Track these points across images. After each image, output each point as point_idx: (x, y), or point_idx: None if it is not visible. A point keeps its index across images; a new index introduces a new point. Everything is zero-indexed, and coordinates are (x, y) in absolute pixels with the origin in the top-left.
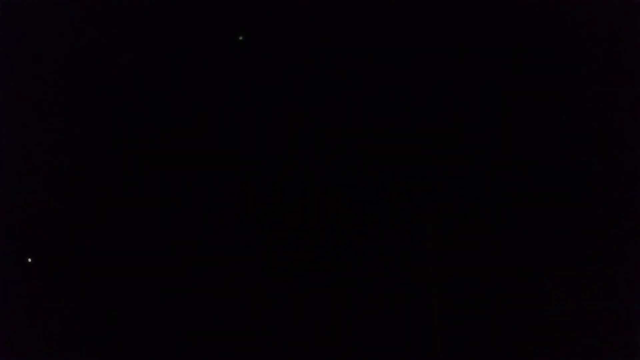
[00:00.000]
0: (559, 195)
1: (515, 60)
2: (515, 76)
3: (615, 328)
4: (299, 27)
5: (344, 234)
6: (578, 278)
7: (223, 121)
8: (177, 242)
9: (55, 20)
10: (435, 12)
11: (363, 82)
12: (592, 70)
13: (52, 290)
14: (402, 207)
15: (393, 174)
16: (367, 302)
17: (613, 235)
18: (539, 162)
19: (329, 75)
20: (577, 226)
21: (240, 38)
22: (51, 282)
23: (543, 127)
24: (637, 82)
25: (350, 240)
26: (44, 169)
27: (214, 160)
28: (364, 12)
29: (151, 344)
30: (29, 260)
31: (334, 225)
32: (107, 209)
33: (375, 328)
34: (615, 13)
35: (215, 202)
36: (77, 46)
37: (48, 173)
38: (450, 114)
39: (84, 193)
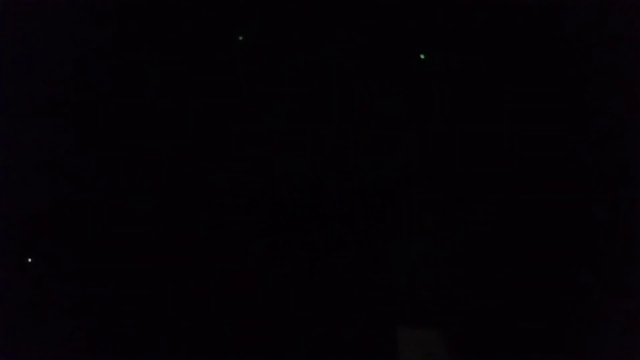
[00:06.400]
0: (558, 194)
1: (513, 60)
2: (514, 76)
3: (616, 328)
4: (299, 27)
5: (342, 234)
6: (578, 277)
7: (223, 121)
8: (178, 242)
9: (56, 19)
10: (434, 12)
11: (363, 82)
12: (592, 70)
13: (52, 290)
14: (401, 207)
15: (392, 174)
16: (365, 301)
17: (612, 235)
18: (538, 161)
19: (329, 75)
20: (577, 225)
21: (240, 38)
22: (51, 282)
23: (541, 127)
24: (637, 82)
25: (348, 240)
26: (44, 169)
27: (214, 160)
28: (363, 13)
29: (152, 343)
30: (29, 260)
31: (332, 225)
32: (107, 208)
33: (373, 327)
34: (615, 13)
35: (216, 202)
36: (77, 46)
37: (48, 173)
38: (449, 114)
39: (84, 193)
